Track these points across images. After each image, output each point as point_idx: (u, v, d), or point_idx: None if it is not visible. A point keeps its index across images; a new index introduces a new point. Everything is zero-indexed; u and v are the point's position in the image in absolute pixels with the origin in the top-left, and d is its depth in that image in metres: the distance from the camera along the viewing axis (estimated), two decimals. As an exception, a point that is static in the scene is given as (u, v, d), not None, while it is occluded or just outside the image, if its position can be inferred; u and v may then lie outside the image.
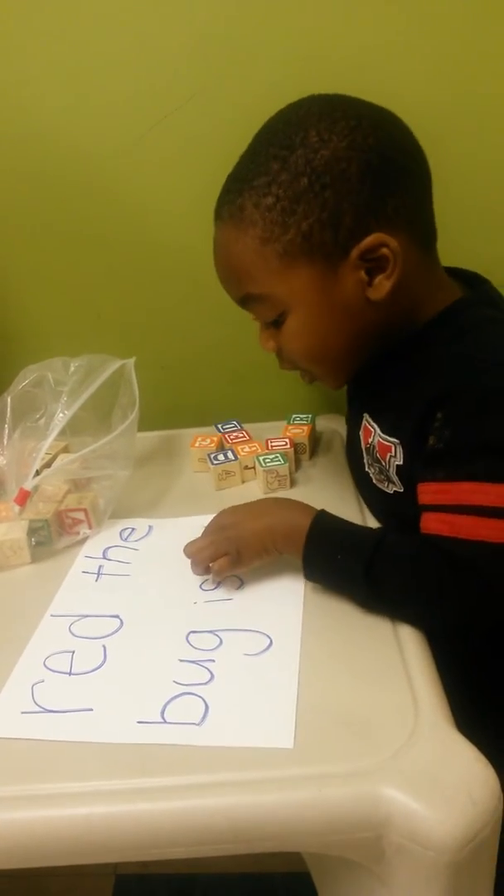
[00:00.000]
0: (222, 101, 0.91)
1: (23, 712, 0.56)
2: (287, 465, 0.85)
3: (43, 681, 0.59)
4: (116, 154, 0.95)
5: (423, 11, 0.86)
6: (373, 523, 0.77)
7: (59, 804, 0.49)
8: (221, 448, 0.92)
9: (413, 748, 0.50)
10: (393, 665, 0.57)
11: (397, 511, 0.71)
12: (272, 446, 0.89)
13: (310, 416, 0.96)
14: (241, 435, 0.94)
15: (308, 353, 0.71)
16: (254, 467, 0.88)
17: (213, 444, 0.92)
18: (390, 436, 0.69)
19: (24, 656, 0.62)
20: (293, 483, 0.86)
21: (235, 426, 0.97)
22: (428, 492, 0.63)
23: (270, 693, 0.56)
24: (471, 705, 0.58)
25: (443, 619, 0.62)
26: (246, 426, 0.96)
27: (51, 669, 0.60)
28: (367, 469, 0.76)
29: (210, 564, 0.69)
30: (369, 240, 0.63)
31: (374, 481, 0.74)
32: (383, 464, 0.71)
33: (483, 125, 0.89)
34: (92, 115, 0.93)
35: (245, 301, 0.72)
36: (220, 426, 0.97)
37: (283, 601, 0.66)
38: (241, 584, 0.69)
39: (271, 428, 0.94)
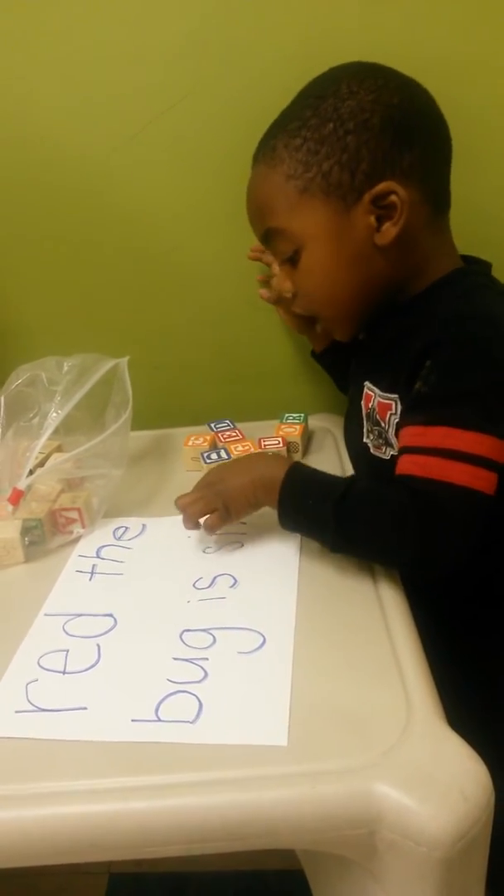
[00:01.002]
0: (216, 99, 0.91)
1: (17, 711, 0.56)
2: (280, 464, 0.85)
3: (37, 680, 0.59)
4: (109, 153, 0.94)
5: (419, 10, 0.86)
6: None
7: (53, 803, 0.49)
8: (214, 447, 0.92)
9: (406, 745, 0.50)
10: (386, 662, 0.57)
11: (389, 475, 0.72)
12: (265, 445, 0.90)
13: (302, 415, 0.96)
14: (234, 434, 0.94)
15: (319, 291, 0.76)
16: (247, 466, 0.88)
17: (206, 444, 0.92)
18: (389, 392, 0.73)
19: (17, 655, 0.62)
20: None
21: (228, 425, 0.97)
22: (407, 435, 0.67)
23: (264, 691, 0.56)
24: (457, 680, 0.60)
25: (406, 555, 0.64)
26: (239, 425, 0.97)
27: (45, 668, 0.60)
28: (364, 439, 0.78)
29: (200, 520, 0.73)
30: (381, 186, 0.69)
31: (372, 449, 0.77)
32: (383, 425, 0.74)
33: (484, 130, 0.90)
34: (84, 114, 0.93)
35: (266, 237, 0.77)
36: (213, 425, 0.97)
37: (277, 599, 0.66)
38: (234, 582, 0.69)
39: (264, 427, 0.95)
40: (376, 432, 0.76)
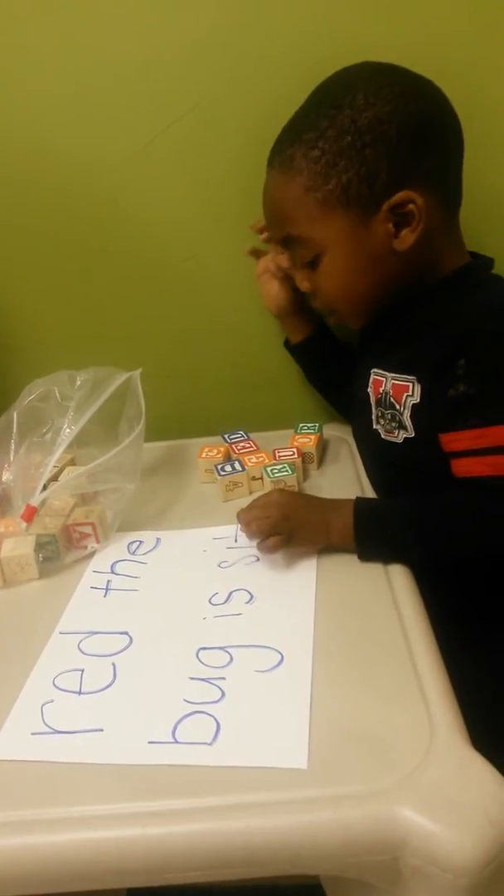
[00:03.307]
0: (225, 110, 0.91)
1: (32, 733, 0.56)
2: (295, 475, 0.84)
3: (52, 700, 0.59)
4: (120, 165, 0.94)
5: (427, 19, 0.86)
6: None
7: (69, 829, 0.48)
8: (228, 459, 0.91)
9: (429, 768, 0.49)
10: (407, 681, 0.56)
11: (402, 460, 0.76)
12: (280, 456, 0.89)
13: (317, 424, 0.95)
14: (248, 445, 0.93)
15: (337, 293, 0.78)
16: (261, 478, 0.87)
17: (220, 455, 0.91)
18: (406, 374, 0.74)
19: (33, 675, 0.62)
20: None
21: (242, 436, 0.96)
22: (465, 438, 0.69)
23: (283, 711, 0.55)
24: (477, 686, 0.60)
25: (496, 548, 0.68)
26: (253, 436, 0.96)
27: (60, 689, 0.60)
28: (374, 426, 0.79)
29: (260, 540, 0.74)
30: (399, 196, 0.70)
31: (383, 434, 0.78)
32: (398, 408, 0.75)
33: (487, 135, 0.89)
34: (96, 126, 0.93)
35: (286, 241, 0.79)
36: (226, 436, 0.97)
37: (294, 616, 0.65)
38: (251, 598, 0.69)
39: (278, 437, 0.94)
40: (389, 416, 0.77)
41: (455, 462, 0.70)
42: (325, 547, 0.74)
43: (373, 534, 0.72)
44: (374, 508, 0.75)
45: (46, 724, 0.56)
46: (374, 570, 0.70)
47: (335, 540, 0.73)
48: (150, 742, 0.54)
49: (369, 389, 0.80)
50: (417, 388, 0.73)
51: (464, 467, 0.69)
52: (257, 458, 0.89)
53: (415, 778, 0.48)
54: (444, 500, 0.70)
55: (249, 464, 0.88)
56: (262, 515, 0.74)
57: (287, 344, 0.98)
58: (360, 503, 0.74)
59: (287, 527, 0.73)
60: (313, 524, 0.74)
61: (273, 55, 0.88)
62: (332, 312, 0.83)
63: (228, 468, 0.88)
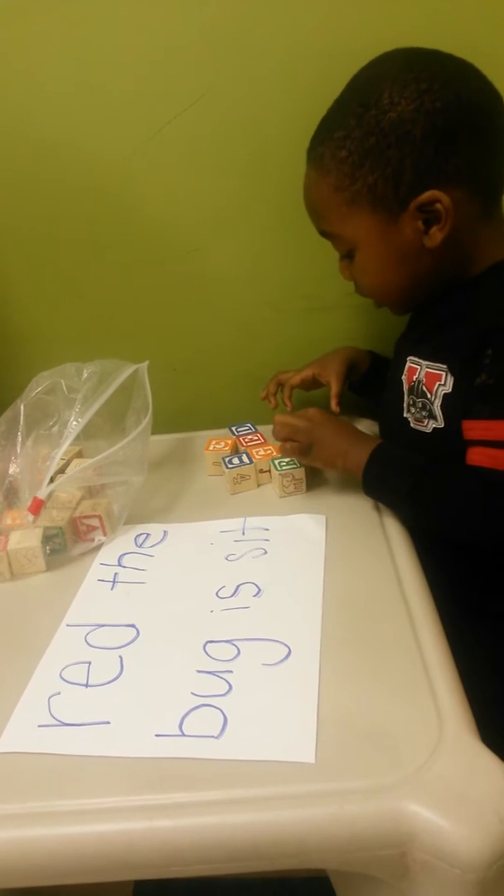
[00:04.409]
0: (229, 103, 0.90)
1: (39, 725, 0.55)
2: (302, 468, 0.84)
3: (59, 693, 0.59)
4: (124, 157, 0.94)
5: (432, 9, 0.85)
6: (388, 514, 0.77)
7: (76, 821, 0.48)
8: (236, 451, 0.91)
9: (437, 762, 0.48)
10: (415, 675, 0.56)
11: (432, 450, 0.76)
12: (287, 449, 0.88)
13: (324, 416, 0.94)
14: (255, 438, 0.93)
15: (372, 286, 0.81)
16: (269, 470, 0.87)
17: (227, 448, 0.91)
18: (439, 362, 0.75)
19: (40, 668, 0.62)
20: (309, 486, 0.85)
21: (250, 429, 0.96)
22: (476, 428, 0.71)
23: (290, 705, 0.55)
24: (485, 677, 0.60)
25: (472, 535, 0.70)
26: (260, 428, 0.95)
27: (67, 681, 0.60)
28: (405, 414, 0.80)
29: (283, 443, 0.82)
30: (425, 195, 0.70)
31: (413, 423, 0.79)
32: (429, 397, 0.76)
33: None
34: (99, 119, 0.92)
35: (323, 234, 0.81)
36: (234, 429, 0.96)
37: (301, 608, 0.65)
38: (258, 591, 0.68)
39: (286, 430, 0.93)
40: (420, 405, 0.77)
41: (469, 450, 0.71)
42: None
43: (379, 474, 0.76)
44: (390, 454, 0.77)
45: (53, 717, 0.56)
46: (383, 563, 0.70)
47: (349, 470, 0.78)
48: (156, 735, 0.53)
49: (403, 377, 0.81)
50: (449, 379, 0.74)
51: (471, 456, 0.70)
52: (265, 450, 0.89)
53: (423, 772, 0.48)
54: (453, 472, 0.71)
55: (257, 456, 0.88)
56: (292, 423, 0.81)
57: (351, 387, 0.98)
58: (382, 446, 0.77)
59: (307, 438, 0.80)
60: (332, 446, 0.79)
61: (276, 48, 0.88)
62: (375, 301, 0.84)
63: (236, 461, 0.87)
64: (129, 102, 0.91)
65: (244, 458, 0.88)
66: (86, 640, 0.64)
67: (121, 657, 0.62)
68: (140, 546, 0.78)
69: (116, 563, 0.75)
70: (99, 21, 0.88)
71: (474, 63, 0.72)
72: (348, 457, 0.78)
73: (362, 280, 0.81)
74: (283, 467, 0.84)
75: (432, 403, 0.75)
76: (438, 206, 0.70)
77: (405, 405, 0.80)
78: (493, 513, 0.67)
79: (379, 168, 0.71)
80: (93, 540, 0.78)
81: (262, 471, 0.87)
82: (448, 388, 0.74)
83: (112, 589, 0.72)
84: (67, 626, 0.67)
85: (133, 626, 0.66)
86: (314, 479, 0.86)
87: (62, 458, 0.81)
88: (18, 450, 0.81)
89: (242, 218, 0.96)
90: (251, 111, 0.91)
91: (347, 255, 0.80)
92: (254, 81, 0.89)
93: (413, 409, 0.79)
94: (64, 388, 0.81)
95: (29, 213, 0.98)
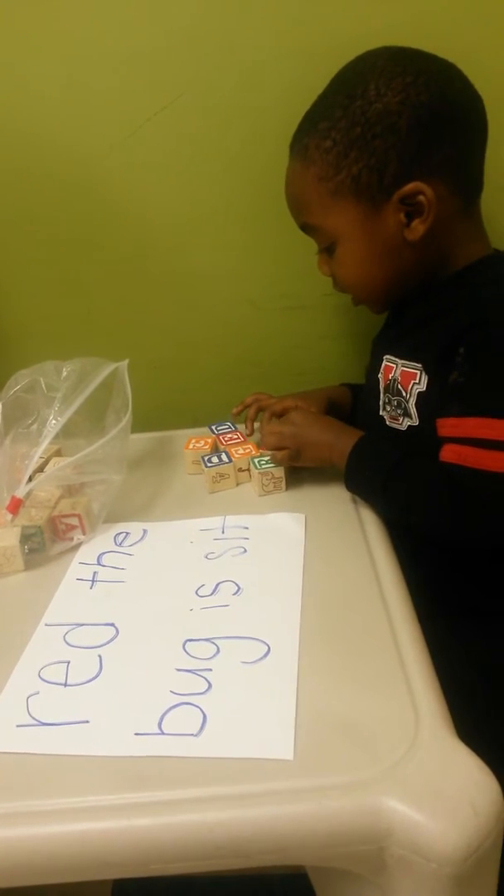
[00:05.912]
0: (214, 95, 0.91)
1: (18, 725, 0.55)
2: (282, 466, 0.84)
3: (38, 692, 0.58)
4: (107, 152, 0.93)
5: (416, 8, 0.85)
6: (366, 512, 0.77)
7: (55, 820, 0.48)
8: (215, 450, 0.91)
9: (414, 758, 0.49)
10: (393, 672, 0.56)
11: (407, 448, 0.76)
12: (267, 447, 0.88)
13: (304, 416, 0.94)
14: (235, 437, 0.93)
15: (352, 280, 0.81)
16: (248, 469, 0.87)
17: (206, 447, 0.91)
18: (414, 360, 0.76)
19: (18, 667, 0.61)
20: (288, 484, 0.85)
21: (229, 427, 0.96)
22: (446, 426, 0.72)
23: (269, 702, 0.55)
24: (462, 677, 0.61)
25: (437, 530, 0.71)
26: (240, 427, 0.96)
27: (45, 681, 0.59)
28: (381, 412, 0.81)
29: (274, 453, 0.83)
30: (409, 187, 0.71)
31: (388, 421, 0.80)
32: (404, 395, 0.77)
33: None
34: (82, 112, 0.92)
35: (304, 228, 0.82)
36: (213, 427, 0.96)
37: (281, 607, 0.65)
38: (238, 589, 0.68)
39: (265, 428, 0.93)
40: (395, 403, 0.78)
41: (441, 447, 0.72)
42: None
43: (359, 468, 0.77)
44: (370, 448, 0.78)
45: (32, 717, 0.56)
46: (362, 561, 0.70)
47: (337, 463, 0.79)
48: (136, 733, 0.53)
49: (379, 375, 0.81)
50: (424, 377, 0.74)
51: (442, 453, 0.71)
52: (244, 449, 0.89)
53: (400, 768, 0.48)
54: (424, 468, 0.72)
55: (236, 455, 0.88)
56: (277, 430, 0.82)
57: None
58: (363, 439, 0.78)
59: (295, 443, 0.81)
60: (319, 444, 0.80)
61: (259, 46, 0.88)
62: (353, 297, 0.84)
63: (215, 459, 0.87)
64: (110, 97, 0.91)
65: (223, 456, 0.88)
66: (65, 640, 0.64)
67: (100, 656, 0.62)
68: (119, 545, 0.78)
69: (96, 562, 0.75)
70: (84, 13, 0.87)
71: (457, 65, 0.73)
72: (334, 449, 0.79)
73: (342, 274, 0.81)
74: (263, 466, 0.84)
75: (407, 401, 0.76)
76: (421, 198, 0.71)
77: (381, 403, 0.81)
78: (456, 509, 0.68)
79: (364, 158, 0.71)
80: (72, 539, 0.78)
81: (241, 469, 0.88)
82: (423, 387, 0.74)
83: (91, 588, 0.71)
84: (46, 625, 0.66)
85: (112, 624, 0.66)
86: (293, 478, 0.86)
87: (41, 457, 0.81)
88: (-3, 448, 0.80)
89: (223, 216, 0.96)
90: (233, 109, 0.91)
91: (327, 250, 0.80)
92: (236, 79, 0.90)
93: (388, 408, 0.80)
94: (43, 386, 0.81)
95: (8, 209, 0.97)
